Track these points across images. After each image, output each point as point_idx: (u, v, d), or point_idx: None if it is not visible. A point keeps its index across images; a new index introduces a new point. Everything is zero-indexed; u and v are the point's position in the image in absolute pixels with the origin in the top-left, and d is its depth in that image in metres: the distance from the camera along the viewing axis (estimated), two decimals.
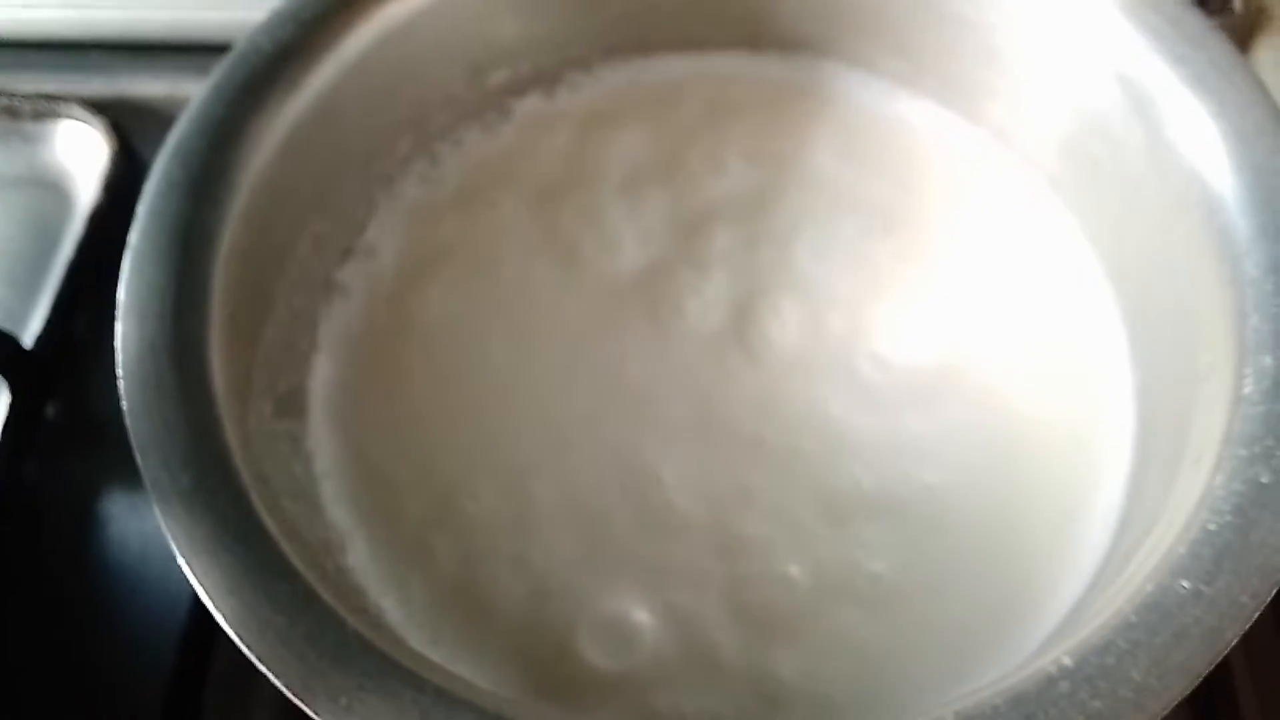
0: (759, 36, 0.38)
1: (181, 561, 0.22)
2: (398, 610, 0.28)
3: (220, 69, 0.30)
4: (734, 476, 0.31)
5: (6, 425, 0.37)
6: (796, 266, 0.35)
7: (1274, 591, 0.21)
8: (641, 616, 0.29)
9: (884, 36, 0.36)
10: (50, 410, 0.38)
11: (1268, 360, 0.24)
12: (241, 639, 0.21)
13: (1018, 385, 0.32)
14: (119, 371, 0.25)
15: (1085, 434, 0.31)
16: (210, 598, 0.22)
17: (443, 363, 0.34)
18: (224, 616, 0.22)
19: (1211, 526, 0.22)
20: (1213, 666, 0.20)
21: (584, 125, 0.38)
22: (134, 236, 0.27)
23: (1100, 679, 0.20)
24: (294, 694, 0.21)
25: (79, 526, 0.36)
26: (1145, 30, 0.29)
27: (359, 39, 0.32)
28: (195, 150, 0.28)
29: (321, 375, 0.33)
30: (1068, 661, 0.20)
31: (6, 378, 0.37)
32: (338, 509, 0.29)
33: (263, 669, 0.21)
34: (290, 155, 0.30)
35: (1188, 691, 0.20)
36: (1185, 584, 0.21)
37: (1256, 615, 0.20)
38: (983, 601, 0.29)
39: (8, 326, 0.38)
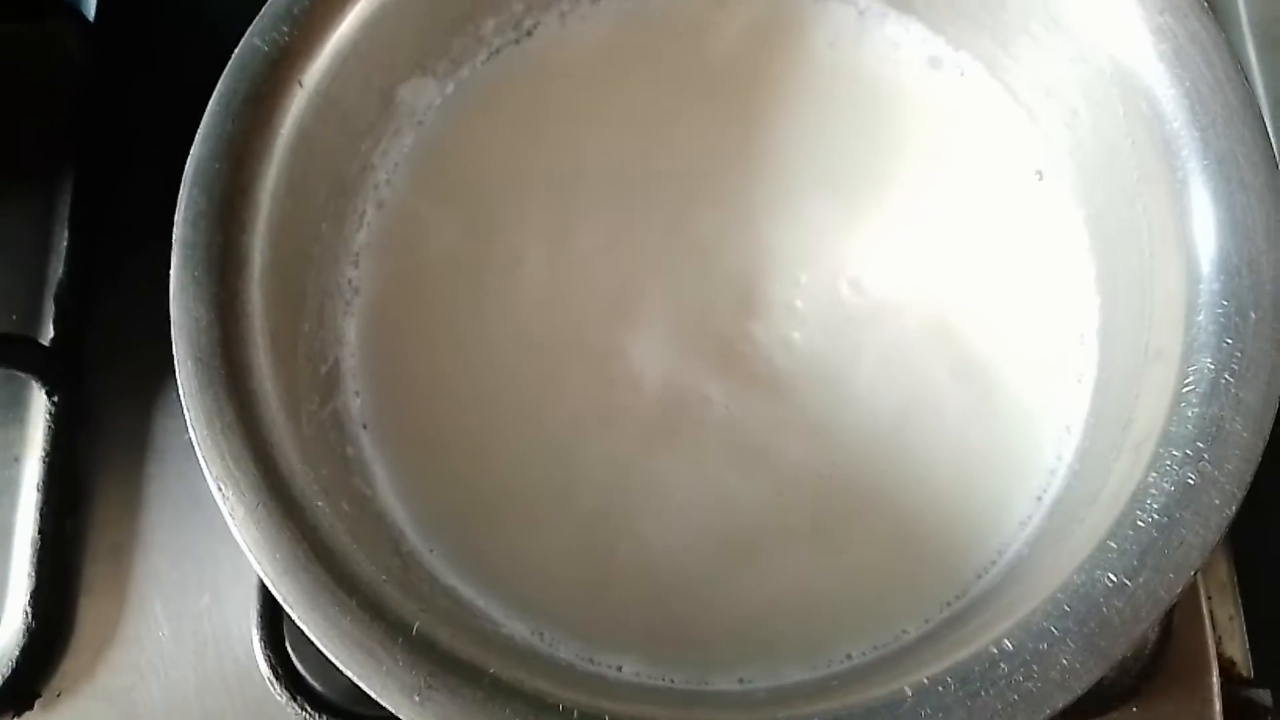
0: None
1: (269, 584, 0.26)
2: (462, 584, 0.32)
3: (223, 79, 0.31)
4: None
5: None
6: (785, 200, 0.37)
7: (1187, 586, 0.25)
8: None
9: None
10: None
11: (1208, 362, 0.26)
12: (327, 649, 0.26)
13: (988, 326, 0.34)
14: (186, 415, 0.28)
15: (1046, 384, 0.33)
16: (296, 615, 0.26)
17: (456, 301, 0.36)
18: (310, 630, 0.26)
19: (1140, 523, 0.25)
20: (1129, 653, 0.24)
21: (578, 64, 0.38)
22: (173, 269, 0.29)
23: (1034, 662, 0.24)
24: (375, 694, 0.25)
25: None
26: None
27: (349, 25, 0.32)
28: (214, 174, 0.30)
29: (353, 344, 0.35)
30: (1009, 645, 0.25)
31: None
32: (390, 496, 0.33)
33: (347, 674, 0.26)
34: (301, 156, 0.31)
35: (1105, 673, 0.24)
36: (1112, 577, 0.25)
37: (1171, 606, 0.25)
38: (920, 532, 0.33)
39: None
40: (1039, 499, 0.32)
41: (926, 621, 0.31)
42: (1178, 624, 0.37)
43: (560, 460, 0.35)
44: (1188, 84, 0.28)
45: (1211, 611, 0.39)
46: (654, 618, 0.33)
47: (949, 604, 0.32)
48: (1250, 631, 0.40)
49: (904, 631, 0.31)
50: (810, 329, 0.35)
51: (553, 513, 0.34)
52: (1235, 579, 0.40)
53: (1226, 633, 0.40)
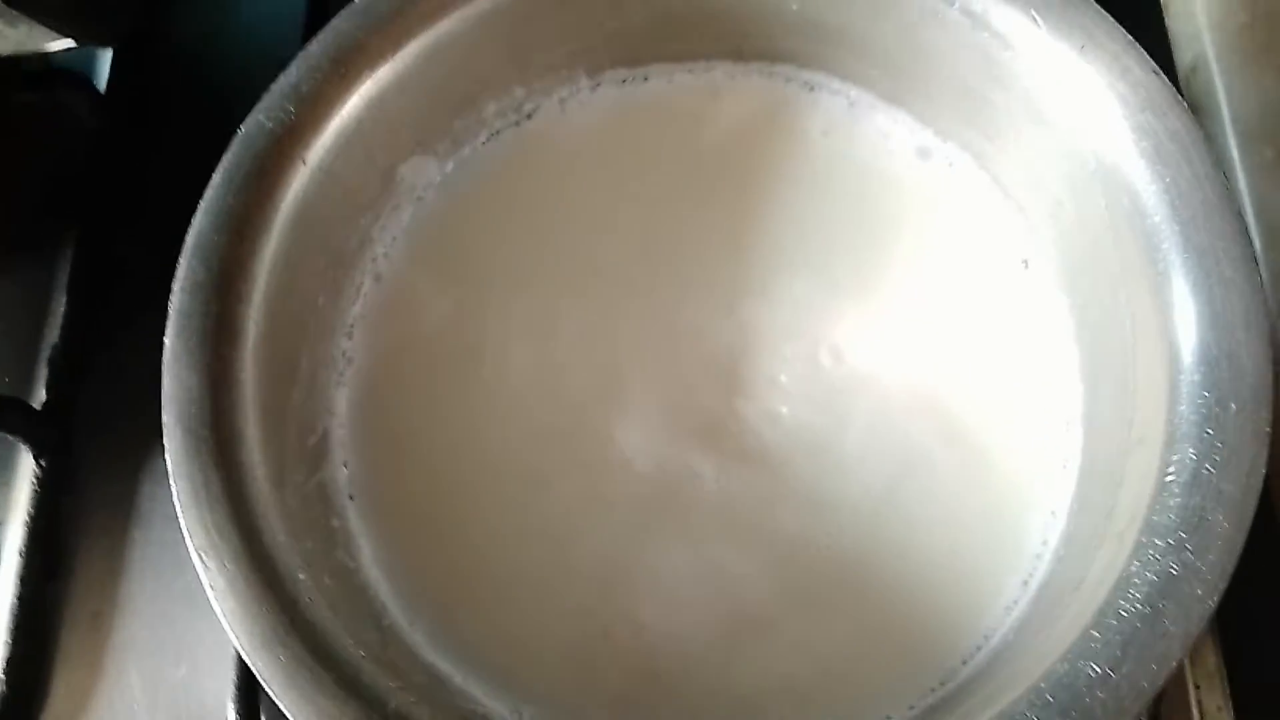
0: (743, 51, 0.39)
1: (246, 658, 0.26)
2: (443, 661, 0.32)
3: (227, 154, 0.32)
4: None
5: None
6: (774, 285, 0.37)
7: (1170, 677, 0.25)
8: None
9: (864, 56, 0.37)
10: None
11: (1190, 452, 0.26)
12: None
13: (974, 410, 0.35)
14: (171, 484, 0.28)
15: (1032, 468, 0.33)
16: (272, 690, 0.26)
17: (449, 376, 0.36)
18: (285, 706, 0.26)
19: (1124, 613, 0.25)
20: None
21: (575, 148, 0.39)
22: (168, 338, 0.30)
23: None
24: None
25: None
26: (1112, 94, 0.30)
27: (354, 105, 0.33)
28: (214, 245, 0.30)
29: (343, 415, 0.35)
30: None
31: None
32: (374, 569, 0.33)
33: None
34: (301, 230, 0.32)
35: None
36: (1095, 667, 0.25)
37: (1155, 696, 0.25)
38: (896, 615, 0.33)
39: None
40: (1025, 583, 0.32)
41: (911, 708, 0.31)
42: (1165, 714, 0.37)
43: (555, 549, 0.34)
44: (1168, 180, 0.29)
45: (1200, 701, 0.39)
46: (649, 703, 0.32)
47: (934, 689, 0.31)
48: None
49: (888, 718, 0.31)
50: (796, 401, 0.36)
51: (547, 600, 0.34)
52: (1224, 668, 0.40)
53: None
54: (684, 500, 0.35)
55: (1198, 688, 0.40)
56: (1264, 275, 0.41)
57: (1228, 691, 0.40)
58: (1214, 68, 0.44)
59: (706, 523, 0.35)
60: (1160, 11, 0.48)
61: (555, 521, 0.35)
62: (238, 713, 0.37)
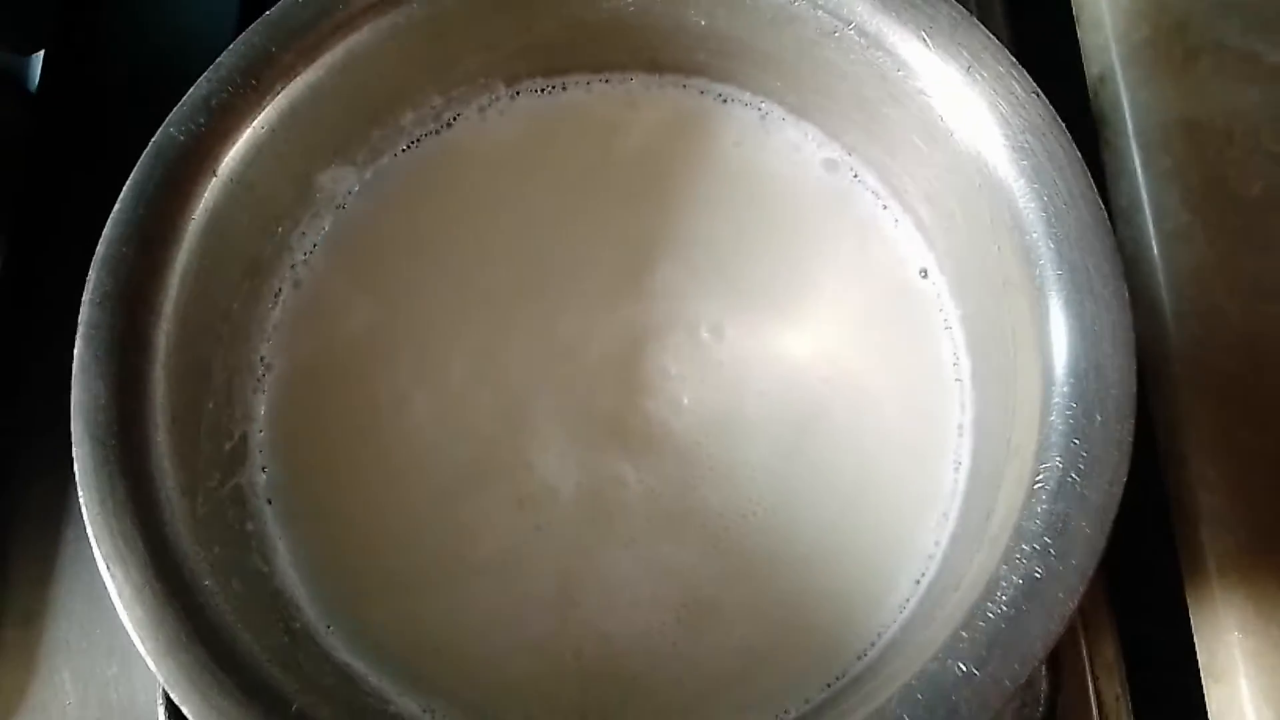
0: (658, 63, 0.40)
1: (149, 664, 0.27)
2: (358, 661, 0.33)
3: (137, 167, 0.32)
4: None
5: None
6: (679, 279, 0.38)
7: (1029, 673, 0.26)
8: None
9: (770, 70, 0.38)
10: None
11: (1058, 461, 0.28)
12: None
13: (868, 411, 0.36)
14: (79, 492, 0.28)
15: (928, 470, 0.35)
16: (175, 694, 0.27)
17: (370, 382, 0.37)
18: (187, 709, 0.26)
19: (991, 614, 0.27)
20: None
21: (495, 156, 0.39)
22: (76, 348, 0.30)
23: None
24: None
25: None
26: (996, 114, 0.31)
27: (266, 116, 0.33)
28: (122, 257, 0.31)
29: (262, 420, 0.36)
30: None
31: None
32: (290, 572, 0.34)
33: None
34: (214, 240, 0.33)
35: None
36: (961, 666, 0.26)
37: (1014, 691, 0.26)
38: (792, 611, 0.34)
39: None
40: (917, 582, 0.34)
41: (806, 701, 0.32)
42: (1063, 704, 0.38)
43: (497, 578, 0.35)
44: (1045, 198, 0.30)
45: (1098, 691, 0.41)
46: (625, 708, 0.33)
47: (829, 684, 0.33)
48: (1136, 712, 0.41)
49: (785, 711, 0.32)
50: (692, 385, 0.37)
51: (505, 630, 0.34)
52: (1122, 659, 0.42)
53: (1113, 713, 0.41)
54: (613, 507, 0.36)
55: (1096, 678, 0.42)
56: (1161, 280, 0.45)
57: (1125, 681, 0.42)
58: (1119, 80, 0.45)
59: (640, 522, 0.36)
60: (1074, 24, 0.50)
61: (494, 564, 0.35)
62: (168, 711, 0.37)
